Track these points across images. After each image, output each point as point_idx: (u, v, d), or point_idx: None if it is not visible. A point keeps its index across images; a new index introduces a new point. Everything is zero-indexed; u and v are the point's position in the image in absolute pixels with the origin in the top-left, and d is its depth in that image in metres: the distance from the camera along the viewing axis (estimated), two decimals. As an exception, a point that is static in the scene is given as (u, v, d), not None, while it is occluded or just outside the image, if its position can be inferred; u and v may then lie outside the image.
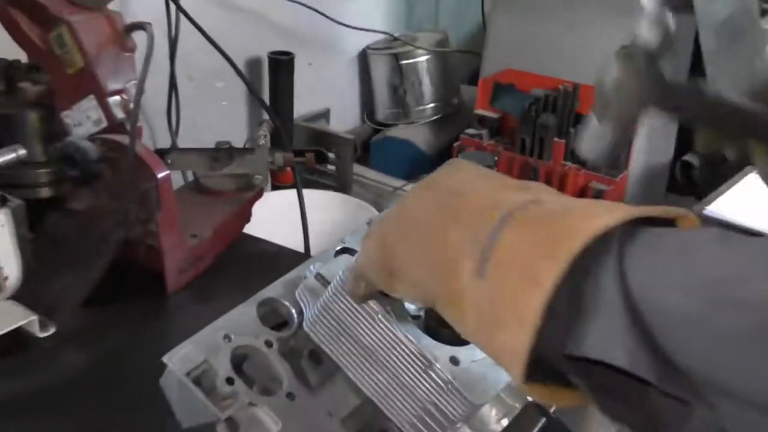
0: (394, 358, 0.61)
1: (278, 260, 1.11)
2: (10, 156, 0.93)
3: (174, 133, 1.43)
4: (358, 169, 1.94)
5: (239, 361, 0.67)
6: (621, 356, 0.38)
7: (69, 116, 0.98)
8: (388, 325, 0.60)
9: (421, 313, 0.64)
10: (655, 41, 0.56)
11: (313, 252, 1.22)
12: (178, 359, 0.63)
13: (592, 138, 0.60)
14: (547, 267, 0.39)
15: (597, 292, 0.39)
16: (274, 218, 1.29)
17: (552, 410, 0.72)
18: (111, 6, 1.00)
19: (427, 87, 2.06)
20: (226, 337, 0.66)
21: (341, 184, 1.83)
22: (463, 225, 0.45)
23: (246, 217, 1.17)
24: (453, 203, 0.48)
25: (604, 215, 0.40)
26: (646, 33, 0.56)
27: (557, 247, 0.39)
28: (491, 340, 0.43)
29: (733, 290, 0.34)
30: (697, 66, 1.18)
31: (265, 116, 1.28)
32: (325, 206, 1.56)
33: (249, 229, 1.18)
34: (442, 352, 0.60)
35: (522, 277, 0.40)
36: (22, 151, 0.94)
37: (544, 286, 0.38)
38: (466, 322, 0.45)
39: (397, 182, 1.93)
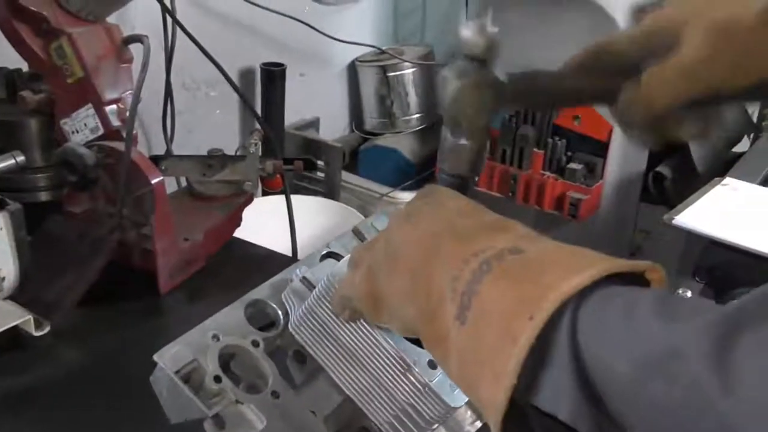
0: (375, 361, 0.63)
1: (267, 263, 1.12)
2: (9, 162, 0.95)
3: (169, 141, 1.43)
4: (345, 176, 1.96)
5: (227, 360, 0.67)
6: (565, 410, 0.40)
7: (67, 124, 1.00)
8: (370, 329, 0.62)
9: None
10: (481, 49, 0.57)
11: (301, 255, 1.23)
12: (168, 358, 0.63)
13: (452, 154, 0.61)
14: (524, 327, 0.41)
15: (554, 347, 0.41)
16: (263, 223, 1.30)
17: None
18: (109, 18, 1.03)
19: (413, 98, 2.10)
20: (215, 336, 0.66)
21: (329, 190, 1.86)
22: (445, 269, 0.47)
23: (237, 221, 1.19)
24: (435, 245, 0.49)
25: (575, 276, 0.41)
26: (471, 43, 0.57)
27: (533, 307, 0.41)
28: (472, 388, 0.45)
29: (665, 365, 0.36)
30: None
31: (257, 125, 1.30)
32: (314, 211, 1.58)
33: (239, 233, 1.20)
34: (420, 356, 0.62)
35: (501, 333, 0.42)
36: (21, 157, 0.96)
37: (520, 346, 0.40)
38: (450, 364, 0.47)
39: (384, 189, 1.95)
